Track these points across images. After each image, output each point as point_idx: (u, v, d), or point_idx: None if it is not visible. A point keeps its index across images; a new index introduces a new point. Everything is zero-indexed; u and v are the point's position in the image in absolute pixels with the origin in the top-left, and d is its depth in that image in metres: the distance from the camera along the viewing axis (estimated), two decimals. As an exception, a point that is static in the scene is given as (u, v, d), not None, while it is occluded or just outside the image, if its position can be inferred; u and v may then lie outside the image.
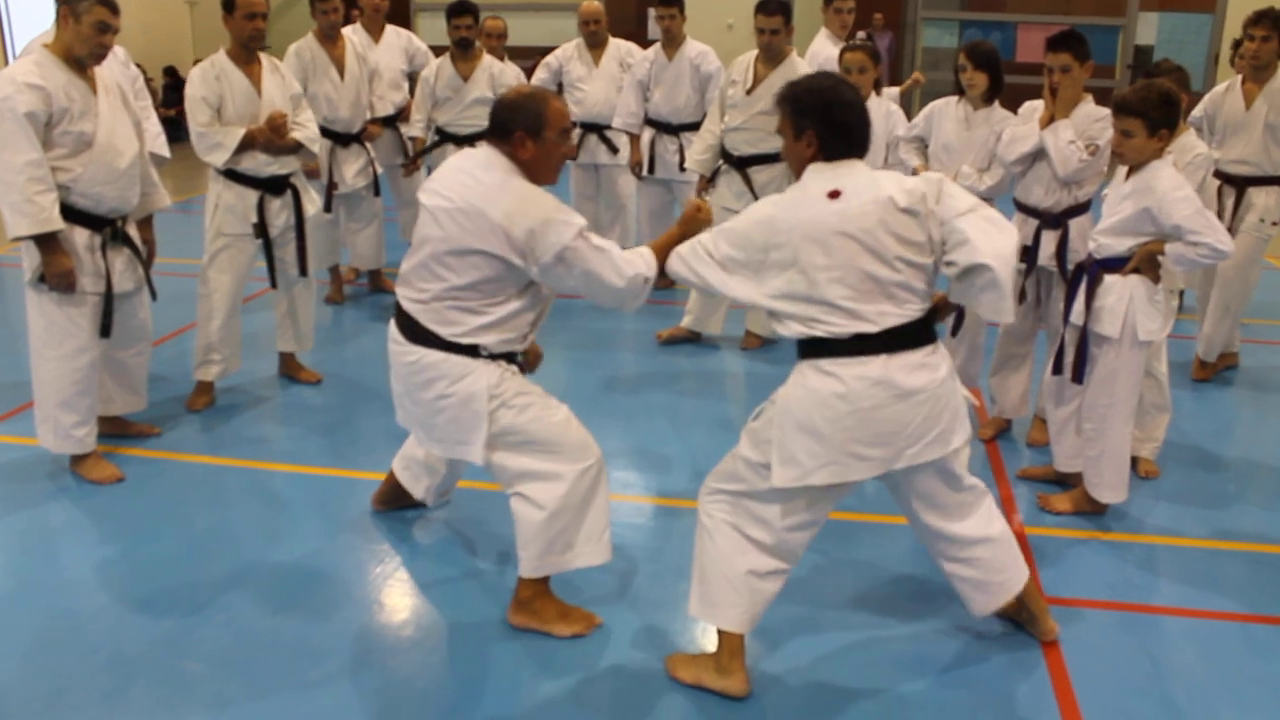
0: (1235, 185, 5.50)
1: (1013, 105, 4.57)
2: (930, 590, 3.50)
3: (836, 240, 2.72)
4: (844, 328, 2.74)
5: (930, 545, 3.13)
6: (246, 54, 4.71)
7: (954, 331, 4.91)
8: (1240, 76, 5.51)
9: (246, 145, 4.66)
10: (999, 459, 4.53)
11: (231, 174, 4.74)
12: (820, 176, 2.80)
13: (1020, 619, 3.25)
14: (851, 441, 2.76)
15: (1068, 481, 4.15)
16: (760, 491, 2.86)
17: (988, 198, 4.66)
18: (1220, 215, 5.49)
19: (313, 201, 5.03)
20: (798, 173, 2.87)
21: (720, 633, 2.95)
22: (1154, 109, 3.61)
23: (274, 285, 5.01)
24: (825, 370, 2.76)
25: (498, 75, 6.19)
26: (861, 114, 2.85)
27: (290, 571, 3.53)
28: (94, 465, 4.17)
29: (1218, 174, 5.55)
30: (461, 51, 6.14)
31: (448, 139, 6.22)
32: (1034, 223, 4.38)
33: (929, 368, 2.80)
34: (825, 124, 2.80)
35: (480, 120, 6.11)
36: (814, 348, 2.78)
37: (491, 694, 2.94)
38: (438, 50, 6.90)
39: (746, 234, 2.81)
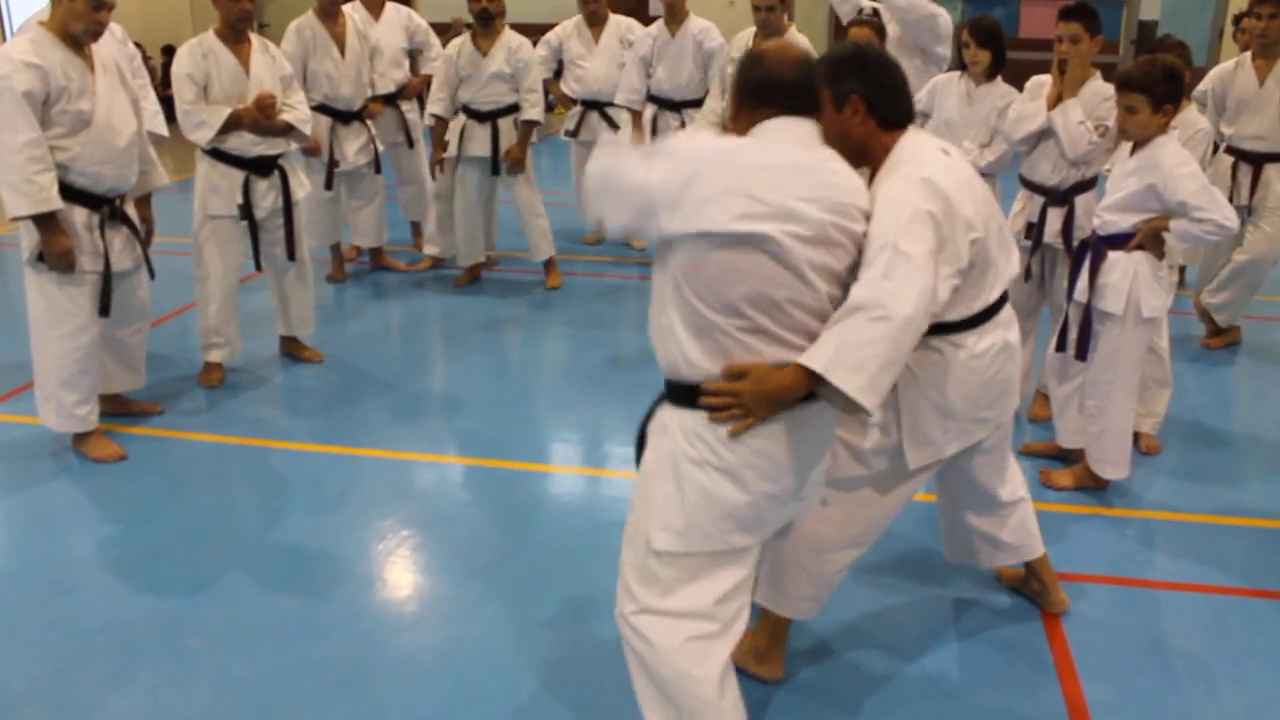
0: (1251, 162, 5.50)
1: (1018, 82, 4.55)
2: (932, 563, 3.51)
3: (983, 201, 2.54)
4: (981, 298, 2.63)
5: (966, 506, 3.07)
6: (235, 34, 4.66)
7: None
8: (1249, 53, 5.49)
9: (233, 125, 4.61)
10: (1001, 435, 4.53)
11: (217, 153, 4.70)
12: (915, 141, 2.51)
13: (1030, 590, 3.27)
14: (977, 408, 2.71)
15: (1070, 457, 4.16)
16: (862, 478, 2.74)
17: (989, 173, 4.66)
18: (1236, 192, 5.48)
19: (302, 185, 5.00)
20: (846, 151, 2.40)
21: (767, 616, 2.88)
22: (1158, 84, 3.59)
23: (259, 268, 4.99)
24: (956, 344, 2.64)
25: (515, 50, 6.14)
26: (902, 73, 2.56)
27: (292, 549, 3.54)
28: (96, 443, 4.18)
29: (1232, 150, 5.55)
30: (482, 27, 6.08)
31: (470, 115, 6.18)
32: (1040, 199, 4.37)
33: (1012, 319, 2.77)
34: (868, 84, 2.47)
35: (499, 96, 6.15)
36: (942, 324, 2.58)
37: (495, 671, 2.95)
38: (437, 27, 6.87)
39: (936, 242, 2.35)
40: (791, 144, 2.27)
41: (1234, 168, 5.53)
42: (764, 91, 2.31)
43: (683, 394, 2.28)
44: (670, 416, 2.31)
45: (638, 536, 2.37)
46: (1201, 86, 5.72)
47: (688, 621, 2.33)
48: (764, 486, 2.29)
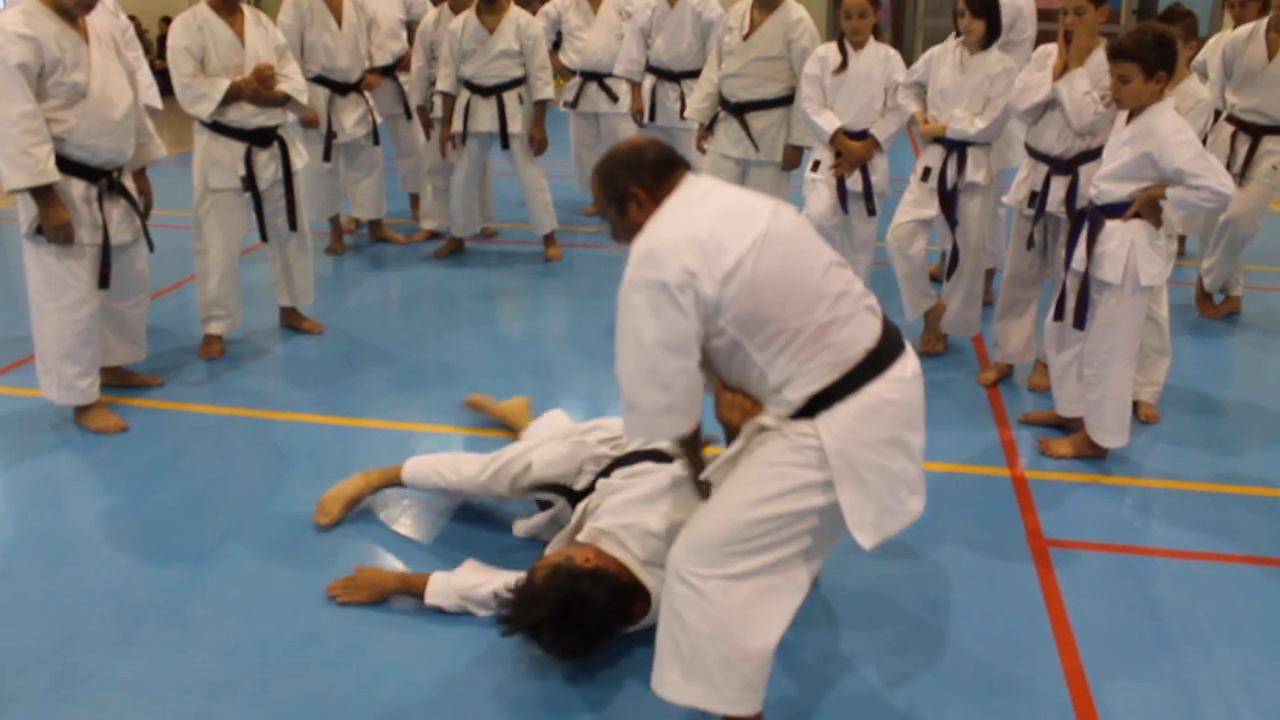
0: (1250, 133, 5.48)
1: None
2: (929, 530, 3.52)
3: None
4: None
5: None
6: (228, 6, 4.62)
7: (948, 275, 4.92)
8: (1264, 22, 5.44)
9: (232, 97, 4.58)
10: (1001, 404, 4.55)
11: (217, 126, 4.68)
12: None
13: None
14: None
15: (1069, 426, 4.17)
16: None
17: (983, 141, 4.65)
18: (1233, 162, 5.47)
19: (300, 155, 4.98)
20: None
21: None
22: (1149, 51, 3.58)
23: (264, 239, 4.98)
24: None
25: (525, 27, 6.14)
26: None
27: (293, 519, 3.55)
28: (97, 416, 4.19)
29: (1232, 120, 5.53)
30: (487, 5, 6.08)
31: (474, 90, 6.20)
32: (1044, 168, 4.36)
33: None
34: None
35: (506, 71, 6.17)
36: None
37: (495, 637, 2.96)
38: (434, -1, 6.83)
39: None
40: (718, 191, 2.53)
41: (1233, 137, 5.51)
42: (663, 168, 2.52)
43: None
44: None
45: None
46: (1200, 56, 5.68)
47: None
48: None
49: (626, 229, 2.57)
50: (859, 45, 4.97)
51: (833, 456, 2.34)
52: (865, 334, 2.42)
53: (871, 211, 5.14)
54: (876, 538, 2.43)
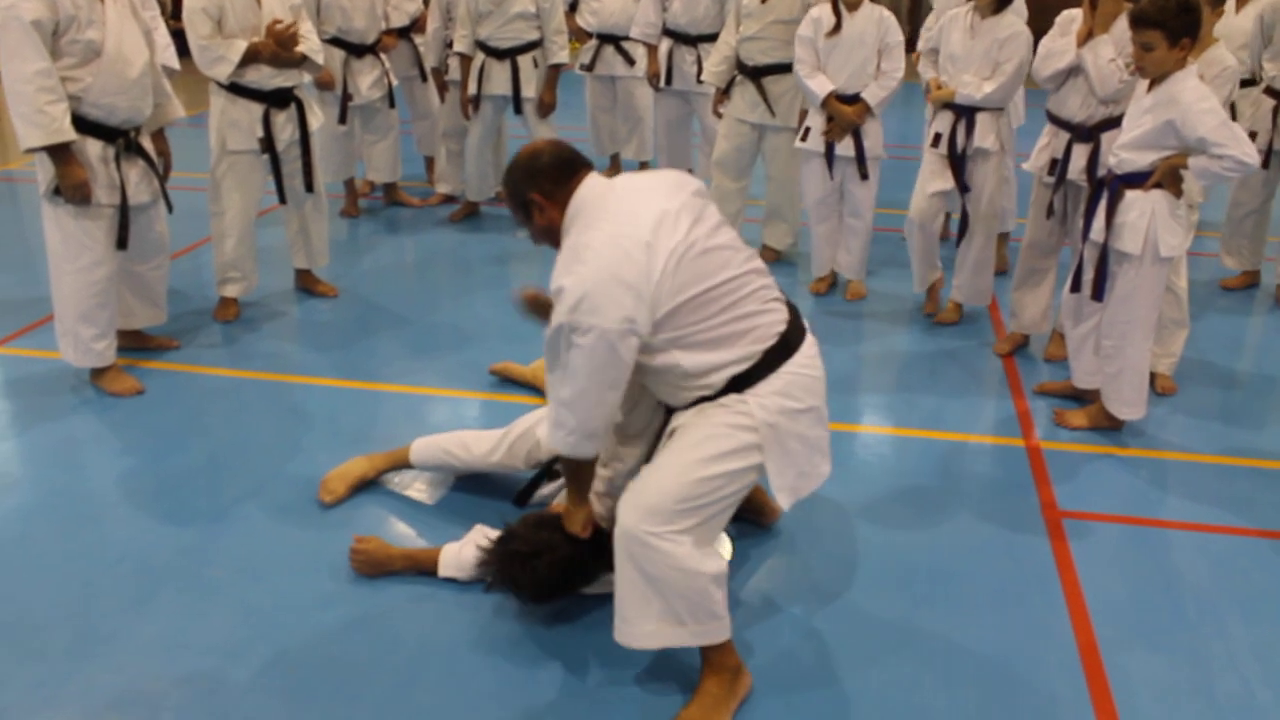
0: None
1: (1045, 18, 4.46)
2: (939, 502, 3.53)
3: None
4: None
5: None
6: None
7: (959, 242, 4.90)
8: None
9: (251, 58, 4.57)
10: (1016, 374, 4.53)
11: (235, 88, 4.66)
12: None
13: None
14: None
15: (1084, 397, 4.15)
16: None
17: (992, 106, 4.61)
18: (1276, 137, 5.34)
19: (316, 116, 4.96)
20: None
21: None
22: (1173, 18, 3.52)
23: (283, 201, 4.97)
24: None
25: None
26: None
27: (308, 482, 3.56)
28: (114, 378, 4.20)
29: (1272, 92, 5.40)
30: None
31: (489, 53, 6.17)
32: (1065, 135, 4.31)
33: None
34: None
35: (521, 34, 6.13)
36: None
37: (512, 601, 2.98)
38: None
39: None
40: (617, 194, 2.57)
41: (1275, 110, 5.35)
42: (560, 172, 2.58)
43: None
44: None
45: None
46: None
47: None
48: None
49: (539, 233, 2.68)
50: (853, 7, 4.93)
51: (761, 427, 2.51)
52: (777, 320, 2.59)
53: (864, 176, 5.11)
54: (793, 498, 2.63)
